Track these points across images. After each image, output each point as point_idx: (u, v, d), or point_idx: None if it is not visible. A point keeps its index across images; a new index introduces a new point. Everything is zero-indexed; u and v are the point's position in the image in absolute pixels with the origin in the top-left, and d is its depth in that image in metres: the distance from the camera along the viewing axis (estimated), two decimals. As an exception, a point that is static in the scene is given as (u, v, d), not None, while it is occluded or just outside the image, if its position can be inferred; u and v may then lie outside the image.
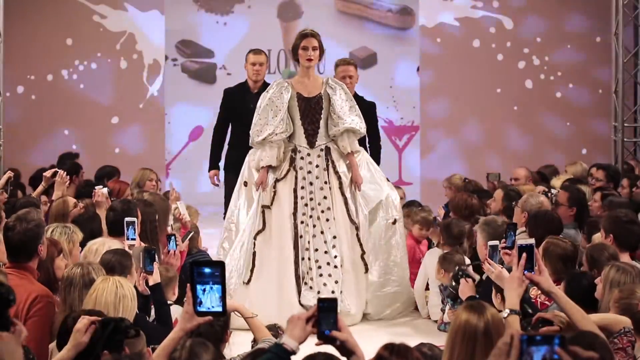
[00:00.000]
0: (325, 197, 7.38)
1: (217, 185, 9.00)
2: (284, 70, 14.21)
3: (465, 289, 5.98)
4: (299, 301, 7.19)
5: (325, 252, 7.29)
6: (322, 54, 7.54)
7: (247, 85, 8.99)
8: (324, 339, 3.21)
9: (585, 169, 10.21)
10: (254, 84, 8.92)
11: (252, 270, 7.31)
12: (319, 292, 7.13)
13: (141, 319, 5.03)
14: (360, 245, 7.43)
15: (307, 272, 7.26)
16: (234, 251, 7.47)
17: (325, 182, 7.42)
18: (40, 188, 8.37)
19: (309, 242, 7.30)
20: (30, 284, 5.11)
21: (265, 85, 8.80)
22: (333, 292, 7.17)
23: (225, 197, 8.68)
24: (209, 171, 9.11)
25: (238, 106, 8.80)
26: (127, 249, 5.81)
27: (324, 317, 3.20)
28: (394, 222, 7.61)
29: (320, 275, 7.26)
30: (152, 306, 5.55)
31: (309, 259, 7.27)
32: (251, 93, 8.82)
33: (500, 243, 5.73)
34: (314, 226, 7.33)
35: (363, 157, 7.71)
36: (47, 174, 8.26)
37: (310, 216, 7.34)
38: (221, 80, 14.04)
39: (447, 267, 7.11)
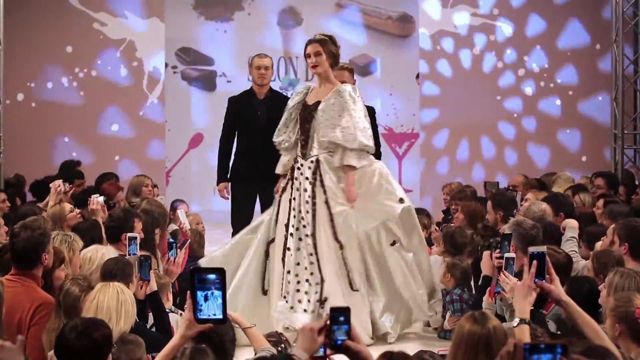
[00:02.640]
0: (307, 212, 7.03)
1: (227, 198, 8.56)
2: (284, 78, 14.22)
3: (486, 264, 5.96)
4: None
5: (305, 268, 6.97)
6: (333, 58, 7.15)
7: (252, 91, 8.65)
8: (337, 349, 3.17)
9: (568, 178, 10.20)
10: (259, 89, 8.60)
11: (263, 279, 7.10)
12: (292, 308, 6.85)
13: (141, 327, 5.03)
14: (345, 264, 6.98)
15: (287, 286, 6.96)
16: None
17: (310, 196, 7.07)
18: (47, 200, 8.38)
19: (291, 255, 6.99)
20: (34, 291, 5.12)
21: (272, 91, 8.70)
22: (305, 310, 6.83)
23: (232, 208, 8.56)
24: (217, 184, 8.61)
25: (244, 114, 8.51)
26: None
27: (337, 327, 3.17)
28: (393, 244, 7.15)
29: (297, 290, 6.94)
30: (150, 313, 5.55)
31: (290, 272, 6.97)
32: (258, 99, 8.57)
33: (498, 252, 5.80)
34: (300, 239, 7.02)
35: (376, 168, 7.23)
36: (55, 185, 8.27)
37: (297, 229, 7.04)
38: (221, 88, 14.05)
39: (453, 273, 7.13)
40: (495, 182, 10.37)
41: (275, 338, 5.03)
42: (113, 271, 5.31)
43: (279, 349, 4.90)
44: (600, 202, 8.23)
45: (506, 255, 5.79)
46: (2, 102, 11.93)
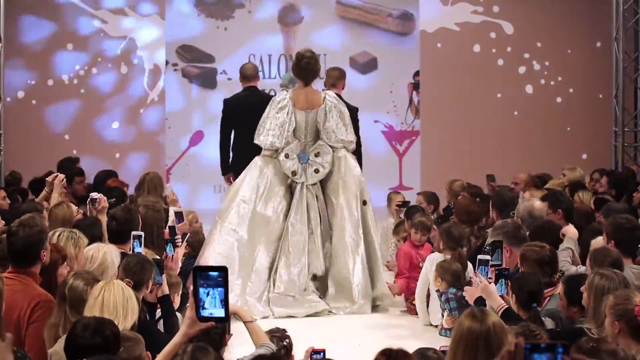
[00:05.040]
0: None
1: None
2: (284, 76, 14.22)
3: (472, 292, 6.00)
4: None
5: None
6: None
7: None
8: None
9: (583, 175, 10.20)
10: None
11: None
12: None
13: (149, 326, 5.04)
14: None
15: None
16: None
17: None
18: (43, 193, 8.35)
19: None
20: (33, 289, 5.11)
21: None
22: None
23: None
24: None
25: None
26: None
27: None
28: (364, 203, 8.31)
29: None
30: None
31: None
32: None
33: (490, 259, 5.83)
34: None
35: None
36: (50, 178, 8.24)
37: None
38: (222, 85, 14.05)
39: (443, 276, 7.15)
40: (492, 175, 10.49)
41: (279, 334, 5.01)
42: (134, 268, 5.31)
43: (284, 343, 4.88)
44: (592, 201, 8.28)
45: (479, 256, 5.84)
46: (3, 100, 11.93)
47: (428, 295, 7.57)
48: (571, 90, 14.24)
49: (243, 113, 9.18)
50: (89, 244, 6.05)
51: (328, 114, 8.21)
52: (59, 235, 5.70)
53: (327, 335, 7.18)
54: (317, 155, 8.22)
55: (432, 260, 7.55)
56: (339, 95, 8.71)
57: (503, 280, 5.63)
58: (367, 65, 14.39)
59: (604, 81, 13.51)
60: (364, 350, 6.12)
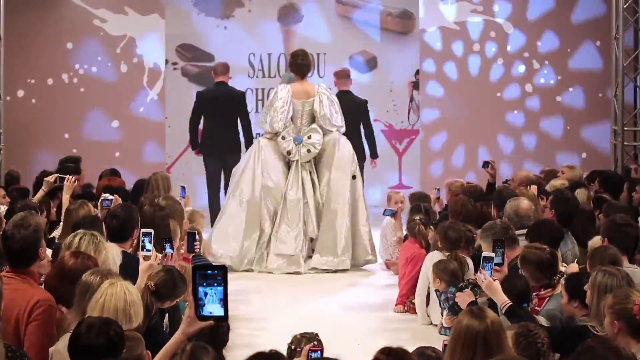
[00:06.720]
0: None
1: None
2: (284, 75, 14.21)
3: (464, 298, 5.99)
4: None
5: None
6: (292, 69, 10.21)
7: None
8: None
9: (582, 174, 10.16)
10: None
11: None
12: None
13: (157, 327, 5.03)
14: None
15: None
16: None
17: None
18: (40, 193, 8.31)
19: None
20: (32, 288, 5.09)
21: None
22: None
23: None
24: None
25: None
26: (141, 259, 5.73)
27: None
28: (353, 177, 9.95)
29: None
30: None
31: None
32: None
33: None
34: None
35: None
36: (50, 179, 8.22)
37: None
38: (221, 84, 14.04)
39: (441, 276, 7.13)
40: (487, 161, 10.49)
41: (309, 335, 4.96)
42: (168, 284, 5.32)
43: (314, 343, 4.82)
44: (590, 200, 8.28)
45: (484, 254, 5.83)
46: (2, 99, 11.93)
47: (428, 295, 7.58)
48: (570, 89, 14.25)
49: (212, 104, 11.33)
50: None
51: (322, 103, 9.89)
52: (80, 238, 5.58)
53: (327, 333, 7.18)
54: (309, 137, 9.86)
55: (431, 260, 7.54)
56: (348, 91, 11.23)
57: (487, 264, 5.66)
58: (367, 64, 14.38)
59: (604, 81, 13.51)
60: (363, 349, 6.12)
